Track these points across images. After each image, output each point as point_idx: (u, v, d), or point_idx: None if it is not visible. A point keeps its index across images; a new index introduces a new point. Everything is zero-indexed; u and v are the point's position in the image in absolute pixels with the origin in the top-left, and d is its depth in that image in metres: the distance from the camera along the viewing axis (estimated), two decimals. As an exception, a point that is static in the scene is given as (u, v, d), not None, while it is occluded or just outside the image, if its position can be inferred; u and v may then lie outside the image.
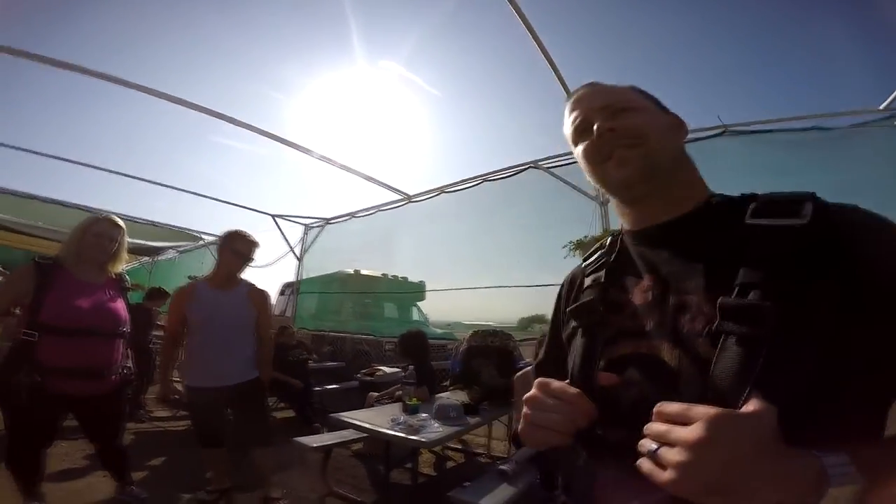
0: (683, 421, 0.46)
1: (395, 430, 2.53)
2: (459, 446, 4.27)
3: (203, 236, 8.23)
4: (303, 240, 7.28)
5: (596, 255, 0.78)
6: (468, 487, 2.29)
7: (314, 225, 7.21)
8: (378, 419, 2.75)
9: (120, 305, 2.32)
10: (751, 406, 0.45)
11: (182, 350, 2.70)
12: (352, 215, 6.73)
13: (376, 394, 4.08)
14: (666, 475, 0.45)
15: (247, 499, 2.71)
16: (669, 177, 0.65)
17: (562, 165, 4.32)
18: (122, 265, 2.48)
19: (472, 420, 2.93)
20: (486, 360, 3.44)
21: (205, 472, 2.80)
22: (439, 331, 7.06)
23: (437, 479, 3.52)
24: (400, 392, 3.67)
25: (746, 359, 0.48)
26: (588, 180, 0.74)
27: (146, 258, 9.53)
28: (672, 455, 0.44)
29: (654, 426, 0.48)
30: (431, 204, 5.52)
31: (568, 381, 0.66)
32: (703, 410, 0.45)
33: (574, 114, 0.72)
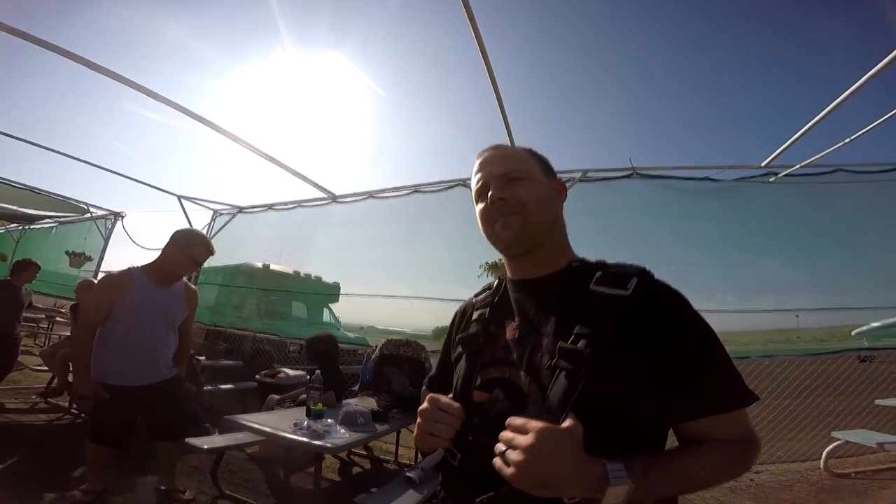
0: (523, 431, 0.63)
1: (298, 435, 2.50)
2: (365, 452, 4.28)
3: (91, 209, 7.38)
4: (210, 226, 6.86)
5: (484, 294, 0.97)
6: (374, 494, 2.35)
7: (224, 212, 6.85)
8: (279, 423, 2.69)
9: None
10: (566, 423, 0.63)
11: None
12: (269, 207, 6.51)
13: (277, 396, 3.96)
14: (508, 471, 0.62)
15: (122, 501, 2.55)
16: (541, 242, 0.84)
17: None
18: None
19: (380, 427, 2.98)
20: (398, 368, 3.54)
21: (69, 471, 2.57)
22: (351, 335, 6.98)
23: (341, 484, 3.52)
24: (304, 396, 3.61)
25: (569, 388, 0.68)
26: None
27: (14, 225, 8.31)
28: (513, 456, 0.61)
29: (505, 434, 0.65)
30: (357, 206, 5.54)
31: (451, 395, 0.85)
32: (536, 424, 0.62)
33: (478, 176, 0.90)
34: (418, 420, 0.81)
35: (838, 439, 3.79)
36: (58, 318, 8.09)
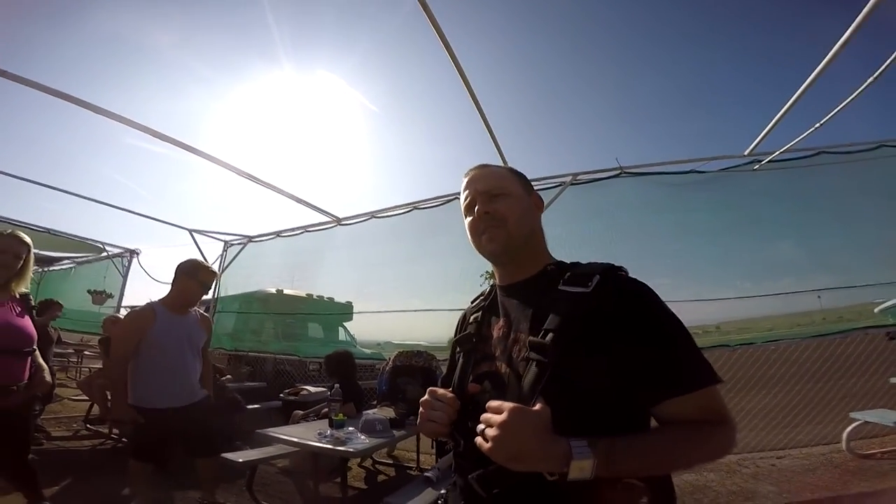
0: (498, 411, 0.73)
1: (323, 443, 2.75)
2: (390, 461, 4.50)
3: (108, 248, 7.77)
4: (222, 257, 7.19)
5: (479, 300, 1.12)
6: (396, 494, 2.57)
7: (235, 242, 7.16)
8: (305, 434, 2.95)
9: (27, 323, 2.36)
10: (536, 406, 0.73)
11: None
12: (277, 234, 6.79)
13: (301, 412, 4.23)
14: (487, 447, 0.72)
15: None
16: (522, 250, 0.97)
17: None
18: (28, 284, 2.48)
19: (398, 433, 3.19)
20: (411, 378, 3.79)
21: (117, 491, 2.84)
22: (368, 351, 7.21)
23: (367, 491, 3.75)
24: (326, 410, 3.87)
25: (538, 377, 0.79)
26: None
27: (34, 267, 8.75)
28: (489, 432, 0.72)
29: (484, 415, 0.76)
30: (361, 227, 5.81)
31: (451, 389, 0.99)
32: (508, 405, 0.72)
33: (466, 192, 1.03)
34: (420, 410, 0.94)
35: (857, 420, 3.77)
36: (86, 352, 8.47)
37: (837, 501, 2.92)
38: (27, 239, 2.42)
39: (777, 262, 4.97)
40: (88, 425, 4.98)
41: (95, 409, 5.01)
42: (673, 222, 5.19)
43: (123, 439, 4.57)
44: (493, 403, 0.75)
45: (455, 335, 1.13)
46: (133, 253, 8.04)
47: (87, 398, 5.19)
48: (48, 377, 2.49)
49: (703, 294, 4.81)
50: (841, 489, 3.08)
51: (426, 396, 0.94)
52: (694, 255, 5.19)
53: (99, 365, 6.50)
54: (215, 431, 2.98)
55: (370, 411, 3.73)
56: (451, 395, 0.94)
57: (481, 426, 0.75)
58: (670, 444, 0.76)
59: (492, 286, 1.09)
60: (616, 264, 0.89)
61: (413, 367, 3.92)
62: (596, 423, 0.75)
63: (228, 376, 5.63)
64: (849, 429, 3.77)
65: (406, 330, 6.06)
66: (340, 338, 8.54)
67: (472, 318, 1.07)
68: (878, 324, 4.55)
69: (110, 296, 8.07)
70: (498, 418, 0.72)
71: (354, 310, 7.75)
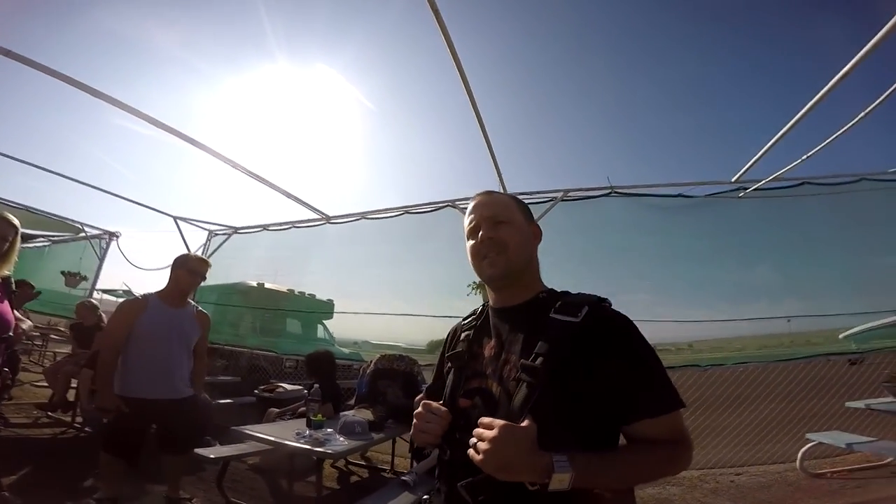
0: (490, 427, 0.80)
1: (301, 443, 2.74)
2: (363, 462, 4.50)
3: (86, 229, 7.59)
4: (205, 246, 7.08)
5: (471, 318, 1.16)
6: (372, 496, 2.59)
7: (220, 232, 7.08)
8: (282, 433, 2.93)
9: (6, 308, 2.29)
10: (524, 423, 0.80)
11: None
12: (264, 227, 6.75)
13: (277, 410, 4.21)
14: (478, 458, 0.79)
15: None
16: (519, 277, 1.03)
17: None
18: (11, 267, 2.37)
19: (376, 436, 3.21)
20: (392, 381, 3.81)
21: (81, 481, 2.82)
22: (345, 350, 7.20)
23: (340, 492, 3.75)
24: (304, 409, 3.86)
25: (528, 397, 0.86)
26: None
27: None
28: (481, 445, 0.79)
29: (477, 430, 0.83)
30: (350, 227, 5.82)
31: (442, 402, 1.04)
32: (499, 422, 0.80)
33: (471, 217, 1.09)
34: (414, 420, 1.00)
35: (812, 441, 3.95)
36: (52, 336, 8.21)
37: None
38: (15, 220, 2.31)
39: (753, 286, 5.20)
40: (49, 413, 4.83)
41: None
42: (658, 244, 5.36)
43: (86, 428, 4.47)
44: (486, 420, 0.82)
45: (445, 348, 1.19)
46: (113, 235, 7.85)
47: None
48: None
49: (679, 314, 5.00)
50: None
51: (420, 409, 1.00)
52: (675, 276, 5.39)
53: (66, 350, 6.35)
54: (192, 430, 2.95)
55: (347, 412, 3.73)
56: (444, 409, 0.99)
57: (474, 440, 0.82)
58: (640, 461, 0.87)
59: (484, 306, 1.15)
60: (601, 296, 0.97)
61: (395, 370, 3.94)
62: (576, 439, 0.83)
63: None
64: (804, 449, 3.95)
65: (384, 331, 6.11)
66: (319, 335, 8.50)
67: (463, 335, 1.13)
68: (841, 350, 4.81)
69: (84, 278, 7.86)
70: (489, 433, 0.79)
71: (336, 308, 7.75)
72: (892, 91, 3.35)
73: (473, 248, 1.06)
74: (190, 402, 2.83)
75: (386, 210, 5.51)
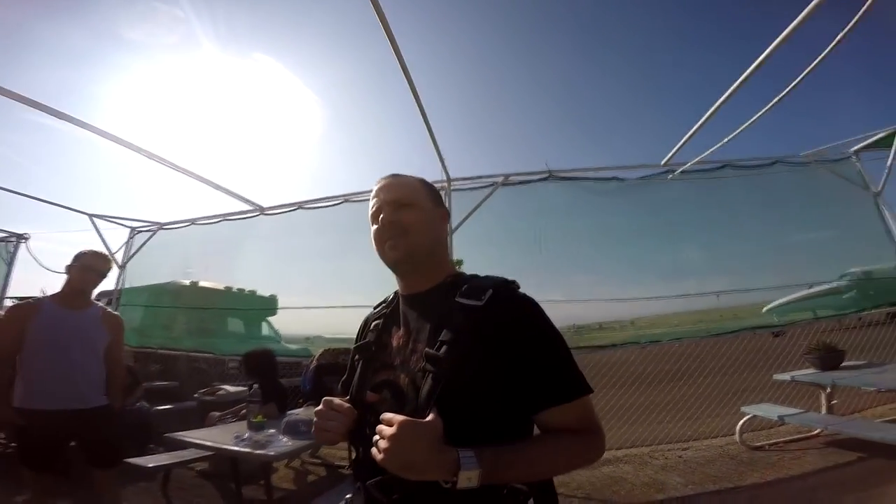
0: (390, 424, 0.78)
1: (240, 447, 2.71)
2: (319, 461, 4.49)
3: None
4: (127, 245, 6.77)
5: (381, 307, 1.15)
6: (324, 496, 2.62)
7: (143, 229, 6.77)
8: (221, 437, 2.90)
9: None
10: (429, 417, 0.79)
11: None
12: (192, 222, 6.52)
13: (218, 413, 4.14)
14: (379, 457, 0.77)
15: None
16: (423, 261, 1.01)
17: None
18: None
19: (324, 433, 3.22)
20: (338, 376, 3.83)
21: (11, 497, 2.68)
22: (293, 347, 7.09)
23: (296, 493, 3.74)
24: (245, 411, 3.82)
25: (433, 388, 0.83)
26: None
27: None
28: (381, 444, 0.77)
29: (379, 426, 0.80)
30: (288, 218, 5.72)
31: (348, 397, 1.03)
32: (399, 418, 0.77)
33: (373, 201, 1.06)
34: (314, 419, 0.97)
35: (747, 414, 4.17)
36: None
37: (736, 493, 3.28)
38: None
39: (683, 264, 5.65)
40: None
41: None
42: (596, 226, 5.72)
43: (12, 444, 4.21)
44: (386, 416, 0.80)
45: (357, 340, 1.16)
46: (21, 238, 7.29)
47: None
48: None
49: (619, 293, 5.40)
50: (738, 480, 3.44)
51: (321, 406, 0.97)
52: (612, 256, 5.79)
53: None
54: (116, 442, 2.80)
55: (296, 411, 3.70)
56: (347, 405, 0.97)
57: (376, 437, 0.80)
58: (550, 453, 0.85)
59: (395, 293, 1.12)
60: (509, 279, 0.96)
61: (339, 365, 3.95)
62: (487, 431, 0.83)
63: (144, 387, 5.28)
64: (741, 422, 4.17)
65: (339, 325, 6.04)
66: (264, 333, 8.31)
67: (373, 324, 1.11)
68: (764, 323, 5.37)
69: (-11, 285, 7.27)
70: (389, 431, 0.77)
71: (280, 304, 7.59)
72: (798, 82, 3.72)
73: (376, 232, 1.03)
74: (104, 411, 2.65)
75: (325, 199, 5.46)
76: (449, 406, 0.81)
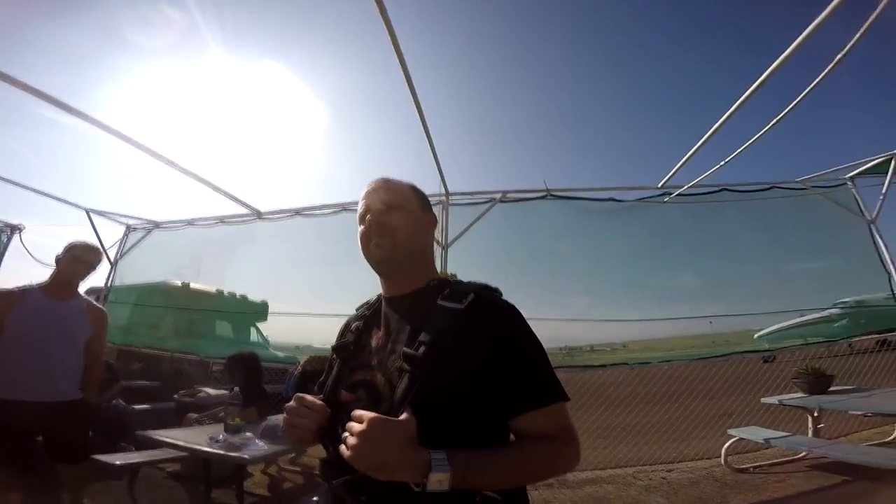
0: (360, 421, 0.76)
1: (214, 448, 2.66)
2: (298, 468, 4.41)
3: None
4: (122, 242, 6.76)
5: (363, 309, 1.16)
6: (298, 502, 2.55)
7: (139, 227, 6.77)
8: (195, 437, 2.84)
9: None
10: (402, 416, 0.78)
11: None
12: (188, 222, 6.52)
13: (196, 415, 4.08)
14: (347, 454, 0.75)
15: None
16: (407, 263, 1.01)
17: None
18: None
19: (304, 439, 3.15)
20: (323, 383, 3.80)
21: None
22: (281, 354, 7.03)
23: (269, 499, 3.66)
24: (223, 413, 3.77)
25: (409, 387, 0.83)
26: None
27: None
28: (350, 441, 0.75)
29: (349, 424, 0.78)
30: (284, 224, 5.73)
31: (322, 396, 1.01)
32: (369, 415, 0.76)
33: (362, 203, 1.07)
34: (284, 415, 0.94)
35: (734, 436, 4.14)
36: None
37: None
38: None
39: (678, 289, 5.69)
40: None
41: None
42: (592, 247, 5.74)
43: None
44: (357, 413, 0.79)
45: (336, 341, 1.15)
46: (15, 229, 7.29)
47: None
48: None
49: (613, 315, 5.38)
50: (720, 502, 3.42)
51: (293, 402, 0.95)
52: (607, 277, 5.78)
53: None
54: (83, 437, 2.73)
55: (276, 416, 3.68)
56: (319, 402, 0.96)
57: (345, 435, 0.78)
58: (524, 459, 0.85)
59: (378, 296, 1.13)
60: (492, 285, 0.99)
61: (322, 372, 3.92)
62: (461, 434, 0.82)
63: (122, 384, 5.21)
64: (727, 444, 4.14)
65: (330, 334, 5.99)
66: (252, 339, 8.26)
67: (353, 326, 1.11)
68: (755, 349, 5.37)
69: (-22, 275, 7.24)
70: (359, 428, 0.75)
71: (270, 310, 7.57)
72: (794, 105, 3.78)
73: (362, 233, 1.04)
74: (77, 405, 2.60)
75: (323, 207, 5.47)
76: (424, 407, 0.80)
